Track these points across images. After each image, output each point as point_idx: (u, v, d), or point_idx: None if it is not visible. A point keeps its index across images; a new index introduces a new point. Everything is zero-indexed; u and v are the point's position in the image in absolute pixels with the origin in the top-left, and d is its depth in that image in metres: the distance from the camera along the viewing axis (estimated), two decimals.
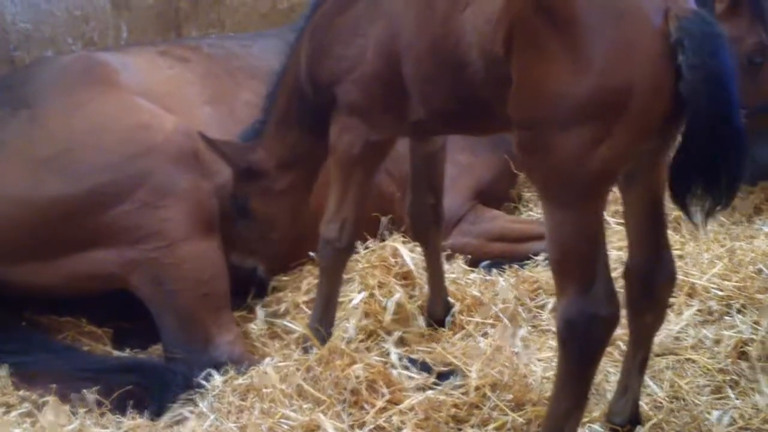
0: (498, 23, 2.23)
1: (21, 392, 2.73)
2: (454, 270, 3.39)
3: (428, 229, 3.05)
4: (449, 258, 3.50)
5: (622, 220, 3.74)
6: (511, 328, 3.05)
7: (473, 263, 3.56)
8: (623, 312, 2.34)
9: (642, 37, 2.06)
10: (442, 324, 3.14)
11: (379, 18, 2.58)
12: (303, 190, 3.06)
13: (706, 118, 2.04)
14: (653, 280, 2.37)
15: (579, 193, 2.14)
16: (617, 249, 3.55)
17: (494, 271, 3.51)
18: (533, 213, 3.99)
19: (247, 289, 3.29)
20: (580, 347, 2.22)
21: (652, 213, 2.35)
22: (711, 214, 2.15)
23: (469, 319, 3.16)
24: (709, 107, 2.03)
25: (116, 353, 3.07)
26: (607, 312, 2.20)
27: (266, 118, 3.04)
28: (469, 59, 2.34)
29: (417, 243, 3.19)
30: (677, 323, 3.14)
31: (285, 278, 3.40)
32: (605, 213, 3.74)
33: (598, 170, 2.11)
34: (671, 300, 3.26)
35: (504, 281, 3.37)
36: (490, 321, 3.14)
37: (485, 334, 3.08)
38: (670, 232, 3.62)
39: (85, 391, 2.69)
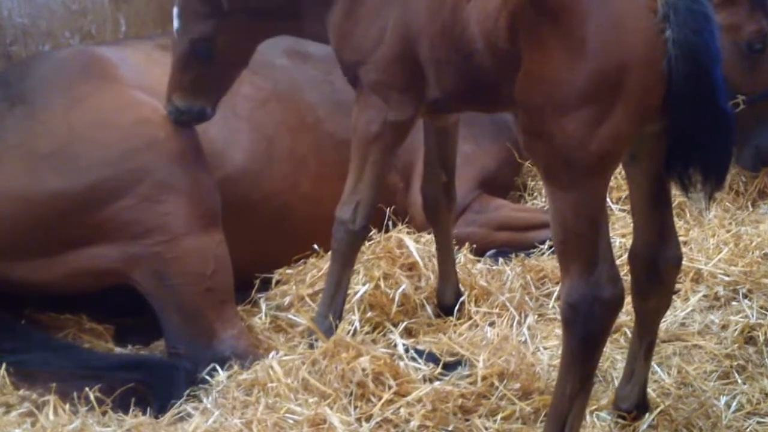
0: (498, 16, 2.27)
1: (21, 391, 2.67)
2: (460, 259, 3.34)
3: (440, 207, 3.04)
4: (455, 247, 3.45)
5: (625, 207, 3.77)
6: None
7: (479, 252, 3.52)
8: (628, 297, 2.32)
9: (631, 16, 2.07)
10: (450, 312, 3.10)
11: (395, 5, 2.61)
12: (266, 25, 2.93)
13: (685, 95, 2.05)
14: (658, 263, 2.36)
15: (581, 175, 2.14)
16: (621, 236, 3.53)
17: (500, 260, 3.48)
18: (538, 202, 3.96)
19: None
20: (583, 329, 2.21)
21: (657, 195, 2.34)
22: (709, 195, 2.17)
23: (476, 308, 3.12)
24: (689, 84, 2.04)
25: (118, 350, 3.02)
26: (610, 294, 2.19)
27: None
28: (475, 48, 2.38)
29: (428, 223, 3.16)
30: (683, 309, 3.13)
31: (289, 271, 3.34)
32: (609, 199, 3.76)
33: (598, 151, 2.11)
34: (677, 286, 3.25)
35: (510, 270, 3.34)
36: (497, 310, 3.11)
37: (492, 324, 3.05)
38: (674, 218, 3.65)
39: (86, 389, 2.63)
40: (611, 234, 3.22)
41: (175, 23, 2.90)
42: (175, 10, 2.89)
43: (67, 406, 2.61)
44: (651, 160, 2.28)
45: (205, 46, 2.86)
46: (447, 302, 3.11)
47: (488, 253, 3.54)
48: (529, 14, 2.18)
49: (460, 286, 3.15)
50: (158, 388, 2.71)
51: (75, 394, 2.62)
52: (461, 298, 3.12)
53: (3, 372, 2.72)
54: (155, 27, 4.36)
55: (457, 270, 3.20)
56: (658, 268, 2.36)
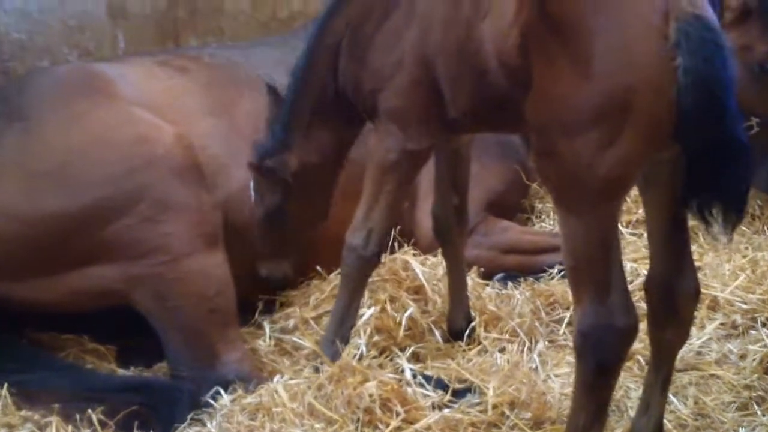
0: (510, 33, 2.31)
1: (23, 412, 2.72)
2: (468, 283, 3.38)
3: (452, 231, 3.09)
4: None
5: (636, 231, 3.81)
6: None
7: (486, 276, 3.57)
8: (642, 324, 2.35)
9: (642, 38, 2.11)
10: (460, 337, 3.15)
11: (413, 21, 2.67)
12: (331, 190, 3.10)
13: (695, 125, 2.08)
14: (675, 294, 2.38)
15: (591, 198, 2.19)
16: (632, 260, 3.57)
17: (509, 284, 3.54)
18: (546, 225, 4.02)
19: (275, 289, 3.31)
20: (596, 358, 2.24)
21: (674, 222, 2.37)
22: (729, 227, 2.17)
23: (486, 334, 3.17)
24: (698, 114, 2.07)
25: (121, 371, 3.07)
26: (623, 323, 2.22)
27: (287, 125, 3.03)
28: (489, 66, 2.43)
29: (439, 246, 3.22)
30: (699, 337, 3.15)
31: (293, 293, 3.41)
32: (620, 223, 3.80)
33: (608, 175, 2.15)
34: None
35: (519, 295, 3.38)
36: (507, 336, 3.15)
37: (502, 350, 3.08)
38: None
39: (89, 411, 2.68)
40: (624, 259, 3.29)
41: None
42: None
43: (70, 428, 2.66)
44: (666, 187, 2.32)
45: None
46: (458, 327, 3.16)
47: (496, 277, 3.59)
48: (538, 32, 2.23)
49: (471, 310, 3.20)
50: (161, 411, 2.76)
51: (78, 416, 2.67)
52: (472, 323, 3.17)
53: (5, 392, 2.76)
54: (154, 43, 4.46)
55: (469, 293, 3.24)
56: (674, 298, 2.38)
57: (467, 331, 3.15)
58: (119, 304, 2.98)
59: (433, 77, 2.65)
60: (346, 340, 2.89)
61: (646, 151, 2.18)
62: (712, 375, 2.97)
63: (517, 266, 3.67)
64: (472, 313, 3.20)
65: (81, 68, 3.41)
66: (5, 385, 2.77)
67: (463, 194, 3.09)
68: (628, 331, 2.24)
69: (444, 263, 3.21)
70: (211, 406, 2.76)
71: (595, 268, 2.21)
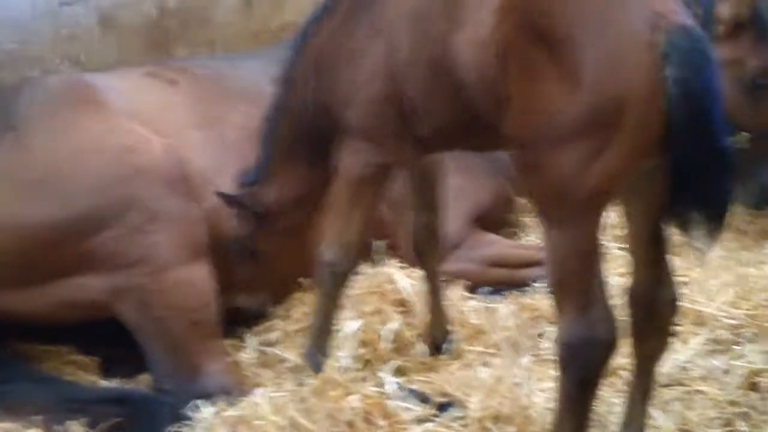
0: (491, 46, 2.31)
1: (4, 424, 2.75)
2: (453, 297, 3.42)
3: (427, 248, 3.11)
4: (447, 284, 3.52)
5: (623, 245, 3.82)
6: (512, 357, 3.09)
7: (472, 290, 3.60)
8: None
9: (631, 51, 2.13)
10: (439, 351, 3.17)
11: (380, 38, 2.67)
12: (307, 226, 3.16)
13: (685, 135, 2.11)
14: (656, 305, 2.42)
15: (576, 211, 2.21)
16: (619, 275, 3.59)
17: (494, 297, 3.56)
18: (533, 238, 4.02)
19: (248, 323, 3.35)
20: (578, 371, 2.27)
21: (654, 233, 2.40)
22: (710, 235, 2.21)
23: (469, 348, 3.19)
24: (688, 124, 2.11)
25: (103, 383, 3.10)
26: (605, 335, 2.26)
27: (268, 155, 3.09)
28: (466, 80, 2.43)
29: (417, 263, 3.24)
30: (684, 353, 3.15)
31: (275, 306, 3.43)
32: (606, 238, 3.82)
33: (594, 188, 2.18)
34: (678, 329, 3.31)
35: (504, 308, 3.40)
36: (491, 350, 3.17)
37: (486, 364, 3.10)
38: (674, 258, 3.71)
39: (70, 422, 2.72)
40: (610, 273, 3.31)
41: None
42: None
43: None
44: (646, 198, 2.34)
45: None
46: (436, 341, 3.18)
47: (482, 291, 3.61)
48: (522, 43, 2.23)
49: (448, 325, 3.22)
50: (142, 423, 2.79)
51: (59, 428, 2.70)
52: (448, 337, 3.18)
53: None
54: (145, 53, 4.50)
55: (450, 307, 3.27)
56: (655, 309, 2.42)
57: (448, 345, 3.17)
58: (103, 314, 3.02)
59: (401, 94, 2.64)
60: (326, 354, 2.92)
61: (633, 163, 2.20)
62: (696, 390, 2.97)
63: (503, 280, 3.69)
64: (450, 328, 3.21)
65: (71, 79, 3.46)
66: None
67: (435, 212, 3.11)
68: (610, 343, 2.27)
69: (434, 272, 3.20)
70: (191, 418, 2.79)
71: (578, 281, 2.25)
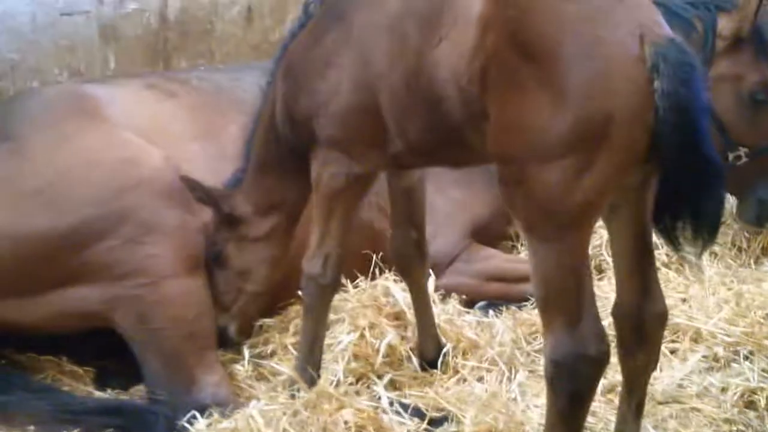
0: (472, 59, 2.31)
1: None
2: (449, 311, 3.45)
3: (412, 265, 3.13)
4: (443, 298, 3.56)
5: None
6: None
7: (468, 304, 3.62)
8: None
9: (619, 65, 2.15)
10: (434, 365, 3.20)
11: (351, 49, 2.67)
12: (281, 238, 3.15)
13: (674, 147, 2.13)
14: (643, 320, 2.43)
15: (562, 227, 2.22)
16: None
17: (490, 312, 3.58)
18: None
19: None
20: (569, 387, 2.29)
21: (639, 247, 2.41)
22: (700, 250, 2.23)
23: (464, 362, 3.20)
24: (677, 136, 2.12)
25: (98, 394, 3.13)
26: (595, 350, 2.27)
27: (245, 164, 3.14)
28: (444, 94, 2.42)
29: (401, 278, 3.27)
30: (681, 370, 3.18)
31: (272, 319, 3.46)
32: (607, 252, 3.83)
33: (581, 203, 2.19)
34: (675, 345, 3.34)
35: (501, 323, 3.42)
36: (486, 365, 3.19)
37: (480, 379, 3.13)
38: (673, 275, 3.74)
39: None
40: (607, 290, 3.34)
41: None
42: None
43: None
44: (631, 212, 2.36)
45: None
46: (428, 356, 3.20)
47: (478, 305, 3.63)
48: (508, 58, 2.21)
49: (442, 338, 3.24)
50: None
51: None
52: (444, 350, 3.21)
53: None
54: (144, 64, 4.55)
55: (445, 321, 3.31)
56: (642, 324, 2.42)
57: (440, 359, 3.19)
58: (99, 325, 3.06)
59: (374, 107, 2.62)
60: (317, 368, 2.95)
61: (620, 177, 2.22)
62: (692, 408, 2.99)
63: (500, 294, 3.71)
64: (444, 341, 3.24)
65: (70, 90, 3.51)
66: None
67: (420, 229, 3.11)
68: (601, 358, 2.28)
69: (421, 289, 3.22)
70: (187, 430, 2.83)
71: (566, 297, 2.26)
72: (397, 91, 2.55)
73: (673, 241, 2.25)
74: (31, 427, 2.77)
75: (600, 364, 2.30)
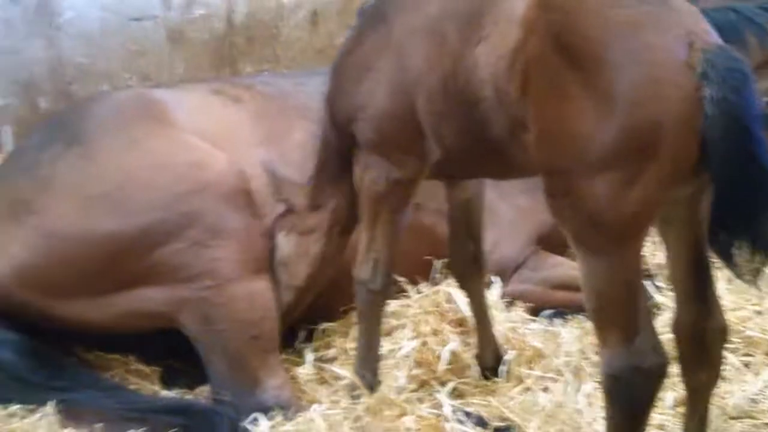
0: (513, 61, 2.29)
1: (67, 430, 2.88)
2: (514, 318, 3.45)
3: (470, 276, 3.14)
4: (509, 306, 3.57)
5: None
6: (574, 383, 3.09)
7: (534, 312, 3.61)
8: None
9: (667, 72, 2.11)
10: (495, 373, 3.20)
11: (390, 52, 2.68)
12: (325, 237, 3.18)
13: (725, 155, 2.08)
14: (702, 335, 2.39)
15: (612, 240, 2.19)
16: None
17: (556, 321, 3.56)
18: None
19: None
20: (626, 401, 2.27)
21: (695, 262, 2.37)
22: (754, 261, 2.15)
23: (529, 371, 3.19)
24: (727, 144, 2.07)
25: (164, 393, 3.22)
26: (652, 363, 2.25)
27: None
28: (481, 95, 2.41)
29: (460, 288, 3.27)
30: (754, 384, 3.11)
31: (334, 323, 3.50)
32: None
33: (629, 215, 2.16)
34: (748, 359, 3.27)
35: (567, 332, 3.40)
36: (552, 375, 3.17)
37: (545, 389, 3.10)
38: (745, 287, 3.64)
39: (130, 431, 2.84)
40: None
41: None
42: None
43: None
44: (685, 226, 2.32)
45: None
46: (487, 364, 3.20)
47: (544, 313, 3.62)
48: (551, 62, 2.18)
49: (503, 347, 3.23)
50: None
51: None
52: (504, 359, 3.19)
53: (52, 409, 2.93)
54: (211, 69, 4.67)
55: (510, 329, 3.30)
56: (702, 340, 2.39)
57: (503, 368, 3.18)
58: (165, 326, 3.14)
59: (410, 112, 2.62)
60: (374, 373, 2.98)
61: (670, 187, 2.17)
62: (765, 424, 2.94)
63: (567, 303, 3.66)
64: (503, 350, 3.22)
65: (139, 95, 3.60)
66: (52, 403, 2.94)
67: (477, 240, 3.12)
68: (658, 371, 2.26)
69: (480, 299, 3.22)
70: (250, 431, 2.88)
71: (620, 310, 2.23)
72: (434, 93, 2.54)
73: (728, 260, 2.18)
74: (99, 425, 2.86)
75: (657, 377, 2.27)
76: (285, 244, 3.23)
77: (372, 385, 2.93)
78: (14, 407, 2.96)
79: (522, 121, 2.30)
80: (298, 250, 3.22)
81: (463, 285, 3.20)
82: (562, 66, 2.18)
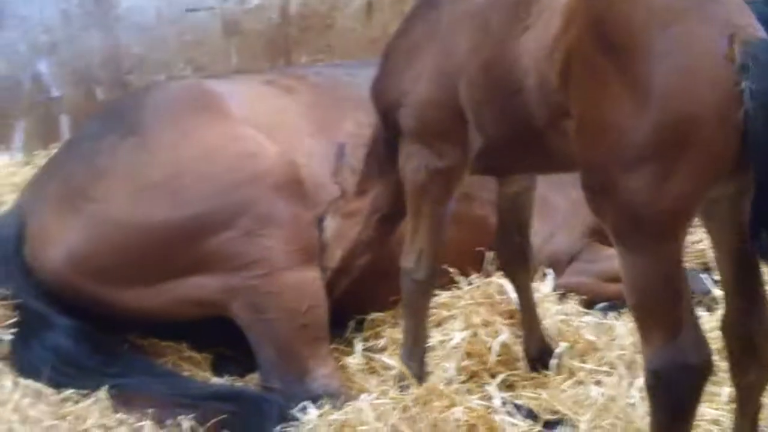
0: (553, 50, 2.29)
1: (119, 415, 2.96)
2: (567, 311, 3.44)
3: (517, 269, 3.14)
4: (562, 298, 3.55)
5: None
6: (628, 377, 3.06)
7: (588, 305, 3.59)
8: None
9: (707, 62, 2.08)
10: (544, 366, 3.20)
11: (436, 39, 2.70)
12: (364, 223, 3.19)
13: (766, 147, 2.04)
14: (750, 334, 2.36)
15: (651, 235, 2.17)
16: None
17: (610, 314, 3.54)
18: None
19: None
20: (669, 398, 2.25)
21: (740, 261, 2.33)
22: None
23: (581, 365, 3.18)
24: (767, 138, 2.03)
25: (215, 379, 3.29)
26: (696, 360, 2.22)
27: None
28: (524, 84, 2.41)
29: (507, 280, 3.27)
30: None
31: (383, 313, 3.53)
32: None
33: (668, 211, 2.14)
34: None
35: (621, 325, 3.37)
36: (605, 368, 3.15)
37: (598, 382, 3.09)
38: None
39: (180, 417, 2.91)
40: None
41: None
42: None
43: None
44: (729, 224, 2.29)
45: None
46: (533, 356, 3.19)
47: (597, 306, 3.60)
48: (590, 51, 2.17)
49: (551, 340, 3.23)
50: (250, 421, 2.94)
51: (168, 422, 2.90)
52: (556, 351, 3.19)
53: (105, 394, 3.02)
54: (264, 60, 4.74)
55: (563, 322, 3.30)
56: (750, 340, 2.35)
57: (555, 361, 3.17)
58: (217, 313, 3.21)
59: (453, 100, 2.63)
60: (421, 364, 3.00)
61: (709, 182, 2.14)
62: None
63: (621, 296, 3.57)
64: (549, 343, 3.21)
65: (193, 85, 3.69)
66: (105, 388, 3.02)
67: (525, 234, 3.11)
68: (702, 368, 2.23)
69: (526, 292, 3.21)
70: (298, 420, 2.92)
71: (662, 307, 2.21)
72: (477, 78, 2.56)
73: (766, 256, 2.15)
74: (150, 410, 2.93)
75: (702, 373, 2.24)
76: (329, 225, 3.27)
77: (418, 375, 2.95)
78: (68, 392, 3.06)
79: (563, 109, 2.30)
80: (338, 233, 3.25)
81: (510, 278, 3.21)
82: (601, 54, 2.17)
